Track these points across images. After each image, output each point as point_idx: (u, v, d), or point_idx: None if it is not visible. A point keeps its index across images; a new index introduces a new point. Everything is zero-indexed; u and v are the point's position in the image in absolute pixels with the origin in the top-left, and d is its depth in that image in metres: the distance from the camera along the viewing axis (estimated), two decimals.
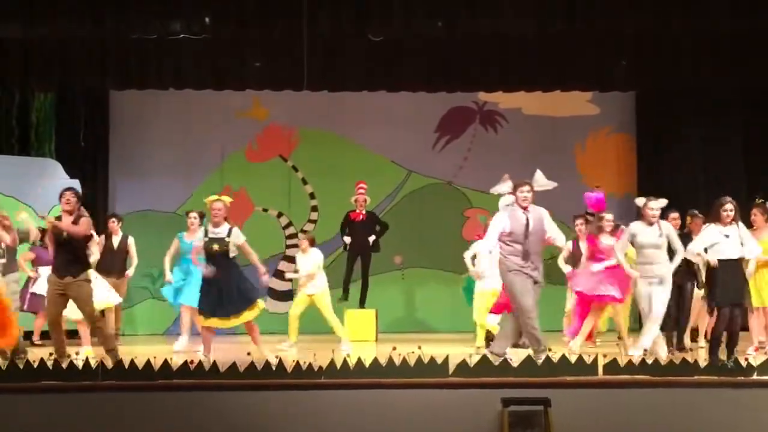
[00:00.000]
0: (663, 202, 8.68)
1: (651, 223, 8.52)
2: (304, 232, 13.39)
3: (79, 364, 7.31)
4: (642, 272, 8.56)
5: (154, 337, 11.07)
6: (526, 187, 8.47)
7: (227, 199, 8.83)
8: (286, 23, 10.06)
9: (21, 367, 7.29)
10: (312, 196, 13.40)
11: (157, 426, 7.05)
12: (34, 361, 7.31)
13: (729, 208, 8.26)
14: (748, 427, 7.05)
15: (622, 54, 11.02)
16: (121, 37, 10.38)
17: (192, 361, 7.36)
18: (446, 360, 7.35)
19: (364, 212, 12.04)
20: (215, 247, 8.51)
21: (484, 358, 7.46)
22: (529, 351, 8.05)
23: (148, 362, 7.32)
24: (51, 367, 7.23)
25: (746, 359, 7.87)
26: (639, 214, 8.69)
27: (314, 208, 13.34)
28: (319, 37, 10.30)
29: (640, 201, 8.73)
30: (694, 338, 10.30)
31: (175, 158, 13.24)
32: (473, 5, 10.05)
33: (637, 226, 8.61)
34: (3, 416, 6.99)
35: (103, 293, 9.46)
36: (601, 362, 7.46)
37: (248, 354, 7.48)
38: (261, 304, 8.83)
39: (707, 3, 10.09)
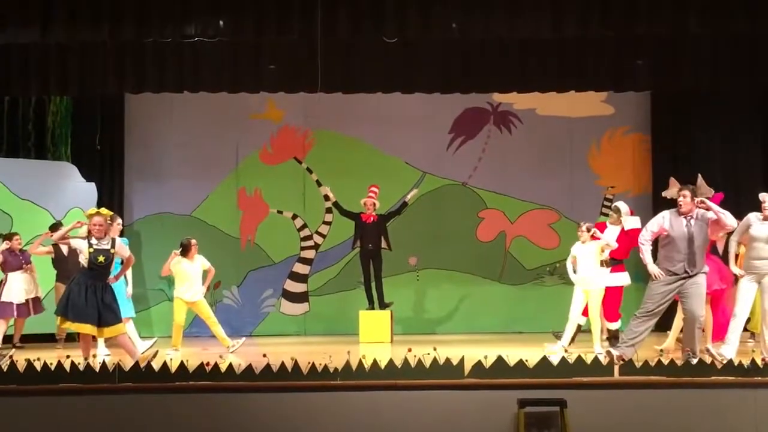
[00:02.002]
0: None
1: (766, 218, 8.39)
2: (319, 234, 13.44)
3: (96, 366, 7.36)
4: (748, 268, 8.48)
5: (170, 340, 11.09)
6: (685, 191, 8.26)
7: (106, 212, 8.92)
8: (300, 25, 10.06)
9: (38, 369, 7.34)
10: (326, 197, 13.42)
11: (173, 428, 7.08)
12: (51, 364, 7.36)
13: None
14: (765, 429, 7.01)
15: (637, 54, 10.97)
16: (136, 41, 10.42)
17: (208, 363, 7.39)
18: (462, 361, 7.35)
19: (374, 214, 12.07)
20: (101, 258, 8.56)
21: (499, 358, 7.45)
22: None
23: (165, 364, 7.35)
24: (69, 370, 7.28)
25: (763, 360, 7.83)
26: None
27: (329, 210, 13.35)
28: (333, 39, 10.30)
29: (763, 196, 8.54)
30: None
31: (190, 160, 13.28)
32: (488, 7, 10.02)
33: (753, 217, 8.48)
34: (21, 418, 7.04)
35: None
36: (617, 363, 7.45)
37: (264, 356, 7.50)
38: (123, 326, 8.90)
39: (724, 4, 10.03)
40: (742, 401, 7.09)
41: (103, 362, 7.51)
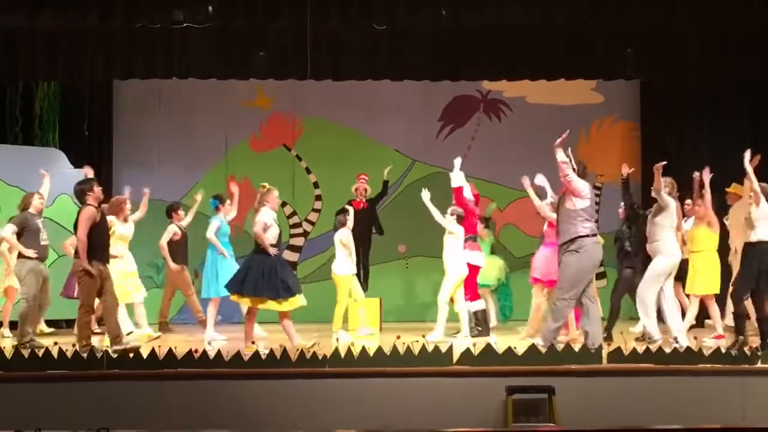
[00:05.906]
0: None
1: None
2: (308, 221, 13.43)
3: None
4: None
5: (158, 327, 11.07)
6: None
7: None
8: (290, 11, 10.04)
9: (26, 356, 7.32)
10: (316, 185, 13.40)
11: (161, 414, 7.07)
12: (38, 350, 7.34)
13: None
14: (752, 415, 7.06)
15: (627, 43, 10.97)
16: (125, 26, 10.37)
17: (196, 350, 7.38)
18: (450, 348, 7.37)
19: (364, 201, 12.06)
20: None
21: (488, 346, 7.46)
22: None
23: (153, 351, 7.34)
24: (56, 357, 7.26)
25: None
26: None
27: (318, 198, 13.33)
28: (323, 26, 10.27)
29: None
30: None
31: (179, 148, 13.24)
32: None
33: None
34: (10, 405, 7.02)
35: None
36: (605, 350, 7.47)
37: (252, 343, 7.50)
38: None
39: None
40: (729, 389, 7.13)
41: (91, 348, 7.46)
